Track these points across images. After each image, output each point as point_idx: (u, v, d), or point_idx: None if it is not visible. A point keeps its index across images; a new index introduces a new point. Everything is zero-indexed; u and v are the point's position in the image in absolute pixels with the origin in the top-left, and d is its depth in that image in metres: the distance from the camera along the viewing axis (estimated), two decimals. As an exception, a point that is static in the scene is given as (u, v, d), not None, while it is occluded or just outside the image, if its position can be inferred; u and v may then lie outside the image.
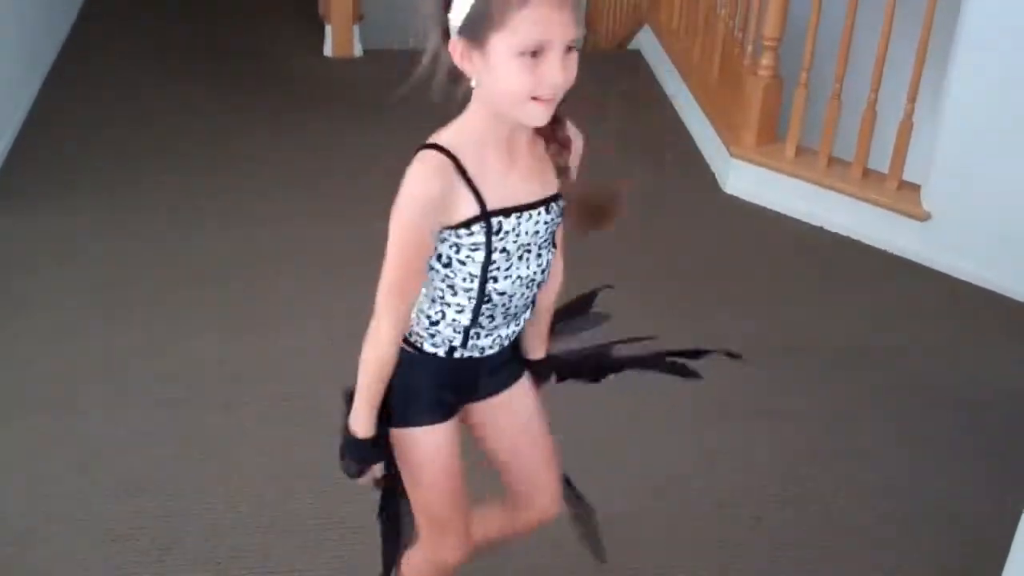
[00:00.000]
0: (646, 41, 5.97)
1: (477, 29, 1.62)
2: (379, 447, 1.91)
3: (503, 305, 1.84)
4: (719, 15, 4.93)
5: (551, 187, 1.79)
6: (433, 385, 1.92)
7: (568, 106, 1.75)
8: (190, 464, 2.93)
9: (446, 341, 1.88)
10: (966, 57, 3.81)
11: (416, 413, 1.92)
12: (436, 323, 1.87)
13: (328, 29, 5.70)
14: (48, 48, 5.40)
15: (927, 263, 4.07)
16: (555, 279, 1.99)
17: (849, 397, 3.35)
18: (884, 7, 4.00)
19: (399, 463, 1.96)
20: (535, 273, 1.85)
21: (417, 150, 1.74)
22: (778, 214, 4.40)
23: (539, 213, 1.78)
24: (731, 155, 4.54)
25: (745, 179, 4.51)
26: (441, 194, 1.70)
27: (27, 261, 3.86)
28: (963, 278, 3.99)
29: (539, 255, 1.84)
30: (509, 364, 2.01)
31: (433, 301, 1.85)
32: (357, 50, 5.72)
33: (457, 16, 1.64)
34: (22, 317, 3.56)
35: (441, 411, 1.94)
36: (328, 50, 5.72)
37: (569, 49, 1.63)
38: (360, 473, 1.93)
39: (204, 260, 3.92)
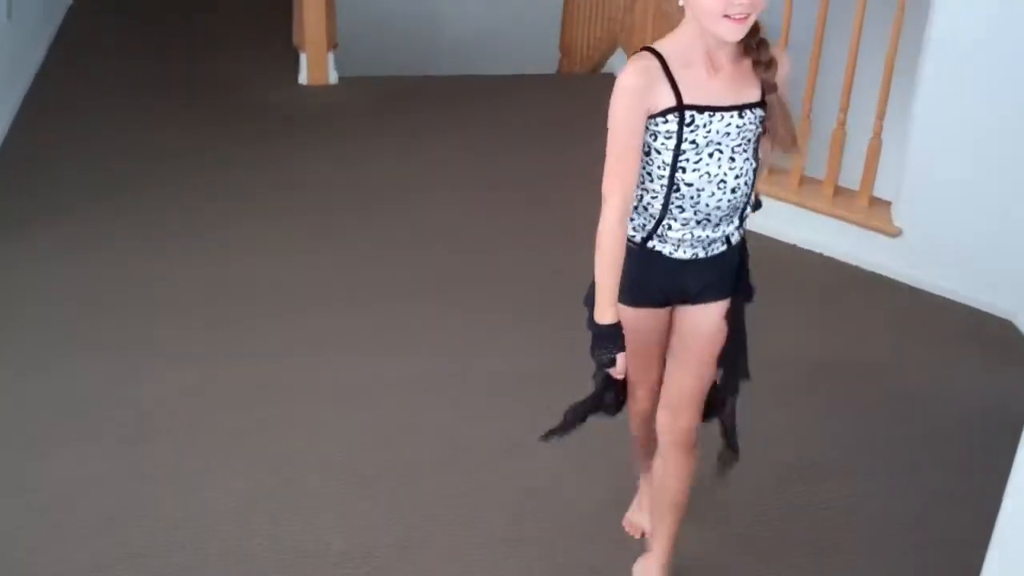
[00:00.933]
0: (620, 64, 6.00)
1: None
2: (621, 334, 2.20)
3: (692, 199, 2.13)
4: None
5: (747, 97, 2.09)
6: (642, 275, 2.23)
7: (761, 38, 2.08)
8: (158, 502, 2.91)
9: (642, 227, 2.20)
10: (932, 75, 3.86)
11: (630, 295, 2.23)
12: (635, 207, 2.18)
13: (303, 58, 5.73)
14: (17, 82, 5.41)
15: (899, 278, 4.11)
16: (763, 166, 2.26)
17: (823, 412, 3.39)
18: (851, 28, 4.05)
19: None
20: (726, 175, 2.12)
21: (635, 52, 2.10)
22: (751, 232, 4.40)
23: (732, 116, 2.09)
24: (704, 175, 4.57)
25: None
26: (646, 84, 2.04)
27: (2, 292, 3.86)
28: (935, 292, 4.03)
29: (732, 159, 2.12)
30: (716, 286, 2.30)
31: (635, 187, 2.15)
32: (332, 77, 5.75)
33: None
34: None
35: (645, 299, 2.27)
36: (303, 78, 5.75)
37: None
38: (612, 362, 2.20)
39: (173, 292, 3.92)
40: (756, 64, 2.08)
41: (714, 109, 2.07)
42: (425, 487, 2.97)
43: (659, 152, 2.10)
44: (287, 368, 3.49)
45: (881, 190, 4.18)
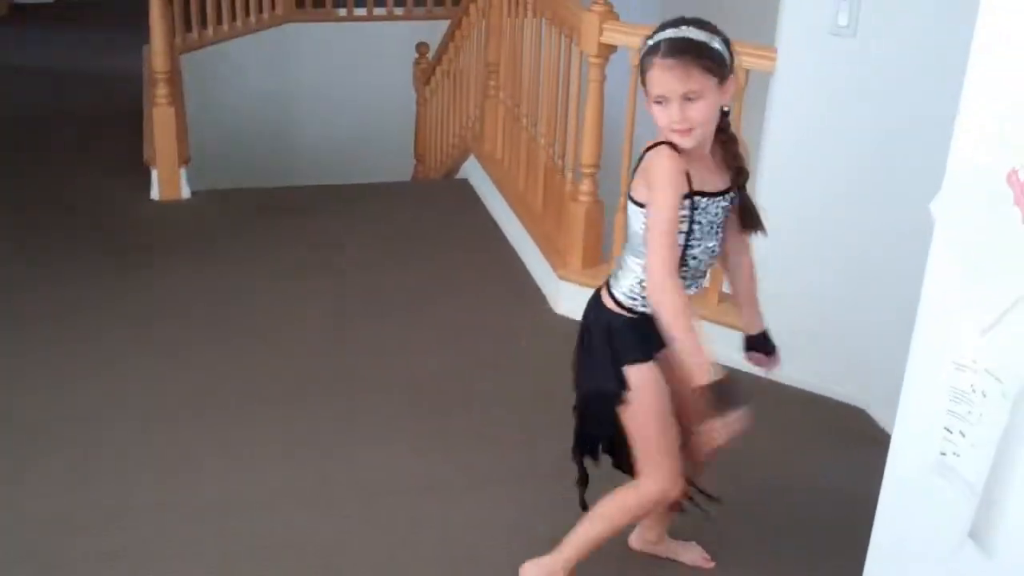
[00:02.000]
0: (472, 170, 6.12)
1: (643, 82, 2.45)
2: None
3: (693, 269, 2.57)
4: (540, 144, 5.11)
5: (725, 184, 2.55)
6: (647, 333, 2.54)
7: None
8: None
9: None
10: (768, 175, 4.01)
11: (641, 353, 2.60)
12: (646, 286, 2.53)
13: (154, 173, 5.68)
14: None
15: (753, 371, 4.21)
16: (749, 257, 2.76)
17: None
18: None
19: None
20: (714, 247, 2.58)
21: (648, 149, 2.48)
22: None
23: (721, 199, 2.54)
24: (559, 277, 4.66)
25: (575, 300, 4.57)
26: (683, 166, 2.44)
27: None
28: (784, 382, 4.14)
29: (717, 233, 2.57)
30: None
31: (639, 270, 2.56)
32: (185, 192, 5.71)
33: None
34: None
35: (652, 351, 2.59)
36: (155, 194, 5.70)
37: (689, 98, 2.37)
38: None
39: (30, 417, 3.81)
40: (733, 157, 2.54)
41: (711, 194, 2.51)
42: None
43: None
44: (155, 487, 3.42)
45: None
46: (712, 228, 2.55)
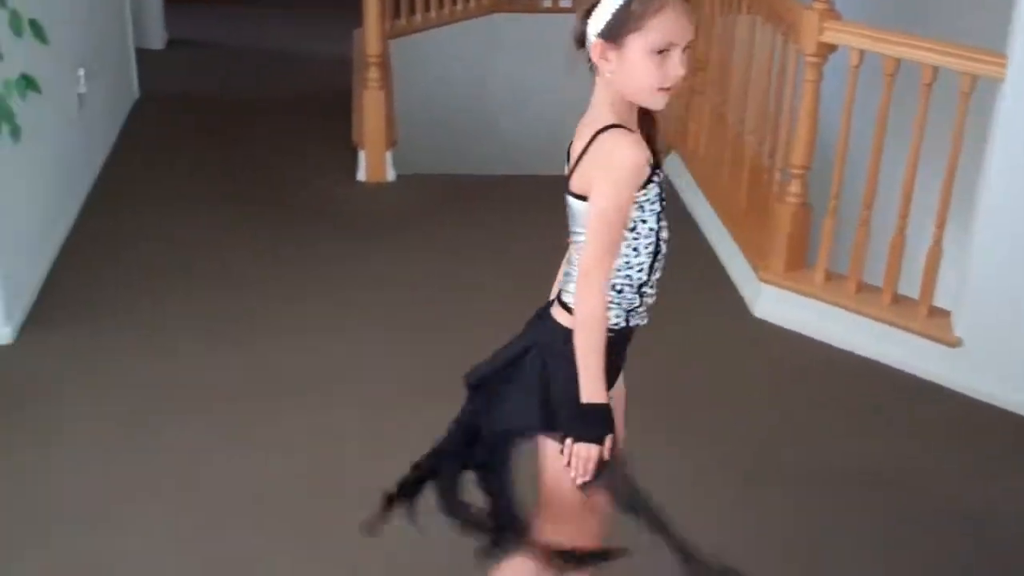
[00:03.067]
0: (672, 166, 6.06)
1: (618, 31, 2.03)
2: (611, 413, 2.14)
3: (664, 253, 2.19)
4: (746, 143, 5.02)
5: None
6: (613, 359, 2.18)
7: None
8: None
9: (626, 309, 2.19)
10: (995, 182, 3.85)
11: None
12: (621, 291, 2.17)
13: (361, 155, 5.82)
14: (88, 174, 5.53)
15: (957, 388, 4.06)
16: None
17: (873, 524, 3.33)
18: (911, 133, 4.06)
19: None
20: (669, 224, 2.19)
21: (599, 132, 2.07)
22: (808, 338, 4.41)
23: (660, 174, 2.14)
24: (760, 280, 4.57)
25: (775, 304, 4.54)
26: (646, 159, 2.07)
27: (57, 383, 3.90)
28: (995, 404, 3.98)
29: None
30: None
31: (617, 271, 2.15)
32: (390, 175, 5.83)
33: (599, 21, 2.05)
34: (51, 437, 3.59)
35: (612, 378, 2.22)
36: (362, 175, 5.83)
37: (685, 49, 2.04)
38: (602, 440, 2.11)
39: (229, 381, 3.95)
40: (653, 125, 2.18)
41: (656, 165, 2.14)
42: None
43: (645, 221, 2.13)
44: (339, 457, 3.50)
45: (941, 298, 4.16)
46: (662, 201, 2.17)
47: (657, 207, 2.12)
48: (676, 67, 2.03)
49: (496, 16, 7.83)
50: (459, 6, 7.49)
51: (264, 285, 4.69)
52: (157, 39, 8.33)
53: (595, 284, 2.09)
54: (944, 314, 4.15)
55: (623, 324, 2.20)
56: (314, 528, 3.18)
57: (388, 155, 5.81)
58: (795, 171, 4.43)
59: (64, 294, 4.47)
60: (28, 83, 3.35)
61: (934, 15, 4.91)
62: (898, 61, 4.04)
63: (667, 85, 2.04)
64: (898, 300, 4.27)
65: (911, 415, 3.98)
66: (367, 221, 5.41)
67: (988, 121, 3.88)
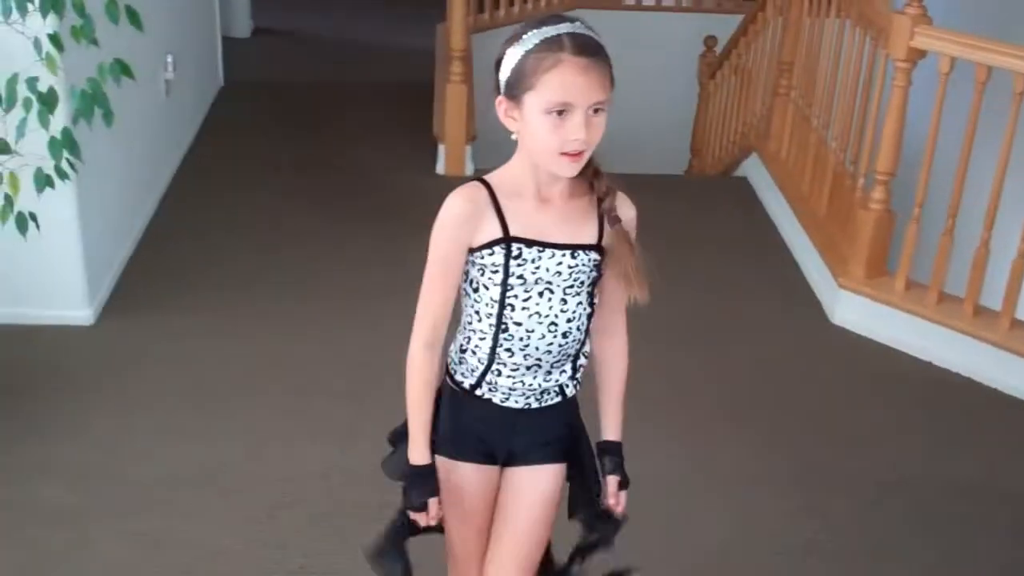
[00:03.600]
0: (753, 168, 6.01)
1: (516, 89, 1.86)
2: (435, 476, 2.06)
3: (521, 340, 1.97)
4: (830, 147, 4.96)
5: (582, 237, 1.96)
6: (472, 425, 2.07)
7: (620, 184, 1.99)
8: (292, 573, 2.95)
9: (472, 371, 2.04)
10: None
11: (453, 446, 2.07)
12: (464, 350, 2.04)
13: (441, 148, 5.84)
14: (172, 159, 5.61)
15: (1040, 403, 3.99)
16: (621, 359, 2.14)
17: (955, 537, 3.29)
18: (1000, 144, 3.99)
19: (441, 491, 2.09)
20: (557, 316, 1.97)
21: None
22: (886, 347, 4.36)
23: (564, 255, 1.94)
24: (839, 286, 4.52)
25: (854, 311, 4.48)
26: (469, 214, 1.91)
27: (138, 362, 3.97)
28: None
29: (564, 300, 1.97)
30: (550, 445, 2.11)
31: (463, 327, 2.04)
32: (469, 169, 5.84)
33: (503, 76, 1.89)
34: (129, 415, 3.66)
35: (477, 452, 2.08)
36: (440, 168, 5.85)
37: (596, 111, 1.84)
38: (424, 506, 2.05)
39: (307, 367, 3.99)
40: (600, 200, 1.96)
41: (543, 244, 1.93)
42: None
43: (487, 288, 1.96)
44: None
45: (1024, 312, 4.09)
46: (552, 291, 1.95)
47: (500, 277, 1.94)
48: (575, 130, 1.82)
49: (578, 12, 7.81)
50: (542, 2, 7.48)
51: (339, 273, 4.72)
52: (243, 27, 8.44)
53: (415, 333, 2.01)
54: (1028, 327, 4.08)
55: (471, 384, 2.05)
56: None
57: (468, 149, 5.82)
58: (880, 177, 4.37)
59: (146, 277, 4.54)
60: (122, 68, 3.39)
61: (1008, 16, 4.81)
62: (990, 69, 3.96)
63: (567, 150, 1.84)
64: (980, 311, 4.19)
65: (988, 428, 3.91)
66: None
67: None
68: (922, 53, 4.15)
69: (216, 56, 7.02)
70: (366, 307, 4.45)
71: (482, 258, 1.94)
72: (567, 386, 2.08)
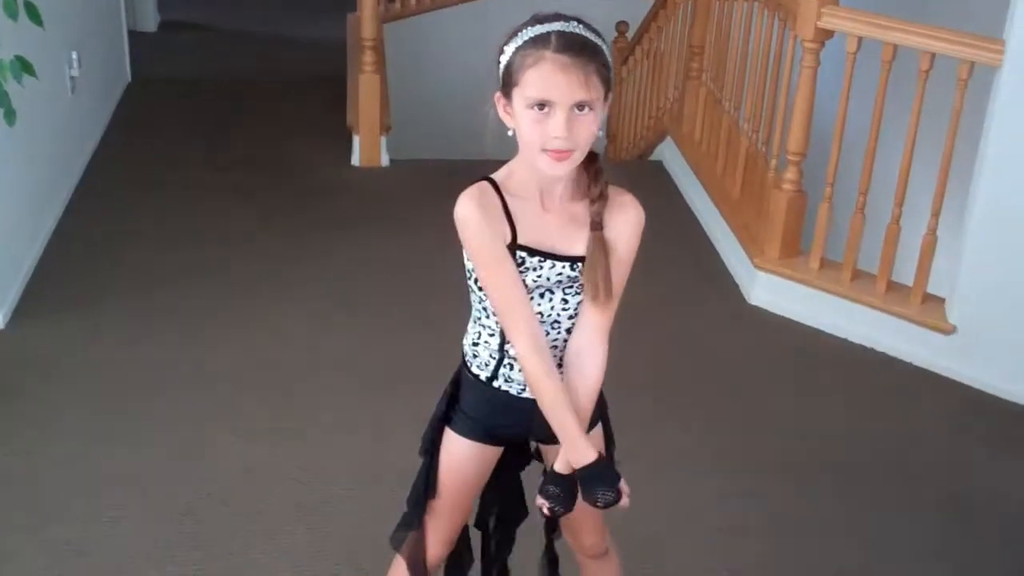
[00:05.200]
0: (668, 152, 6.05)
1: (507, 85, 1.89)
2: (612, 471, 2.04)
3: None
4: (742, 129, 5.01)
5: (581, 248, 1.96)
6: (490, 410, 2.11)
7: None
8: None
9: (486, 365, 2.09)
10: (991, 170, 3.85)
11: (460, 421, 2.14)
12: (476, 344, 2.09)
13: (356, 139, 5.80)
14: (79, 158, 5.50)
15: (951, 375, 4.07)
16: (596, 368, 2.04)
17: (873, 511, 3.34)
18: (908, 122, 4.06)
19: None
20: (559, 315, 2.01)
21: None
22: (803, 326, 4.42)
23: (564, 266, 1.97)
24: (755, 267, 4.57)
25: (770, 291, 4.54)
26: (485, 210, 1.92)
27: (52, 369, 3.88)
28: (988, 391, 3.98)
29: (565, 300, 2.01)
30: None
31: (474, 322, 2.08)
32: (384, 160, 5.81)
33: (500, 72, 1.92)
34: (46, 420, 3.58)
35: (485, 434, 2.14)
36: (356, 160, 5.81)
37: (581, 108, 1.83)
38: (617, 500, 2.03)
39: (226, 366, 3.94)
40: (590, 201, 1.95)
41: (545, 255, 1.96)
42: None
43: None
44: (347, 444, 3.49)
45: (935, 286, 4.16)
46: (552, 291, 2.01)
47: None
48: (555, 128, 1.82)
49: (491, 0, 7.80)
50: (452, -12, 7.45)
51: (256, 269, 4.67)
52: (150, 21, 8.29)
53: (518, 345, 1.98)
54: (938, 301, 4.16)
55: (487, 376, 2.09)
56: (301, 512, 3.18)
57: (383, 140, 5.79)
58: (791, 158, 4.42)
59: (56, 279, 4.45)
60: (23, 66, 3.31)
61: (935, 2, 4.90)
62: (895, 48, 4.03)
63: (548, 147, 1.85)
64: (893, 287, 4.27)
65: (905, 402, 3.99)
66: (361, 206, 5.39)
67: (985, 108, 3.87)
68: (829, 33, 4.21)
69: (123, 51, 6.89)
70: (285, 301, 4.41)
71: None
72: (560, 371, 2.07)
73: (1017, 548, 3.21)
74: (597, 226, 1.95)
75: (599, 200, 1.94)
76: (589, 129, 1.85)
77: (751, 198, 4.87)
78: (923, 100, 4.01)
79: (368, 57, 5.67)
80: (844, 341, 4.31)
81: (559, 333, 2.03)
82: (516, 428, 2.14)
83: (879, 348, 4.24)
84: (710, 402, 3.88)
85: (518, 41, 1.87)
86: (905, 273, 4.25)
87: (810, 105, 4.30)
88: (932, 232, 4.08)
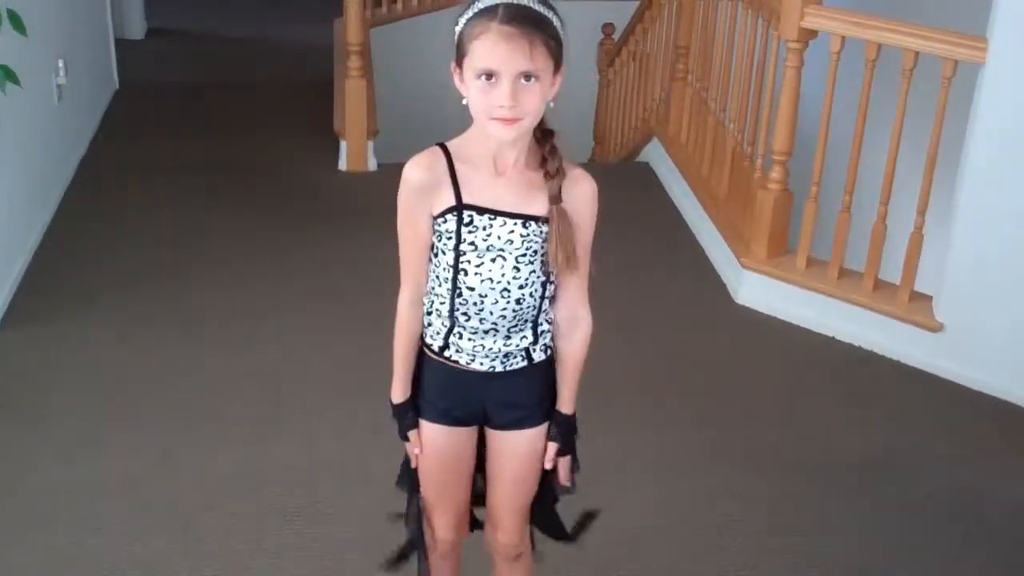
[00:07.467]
0: (654, 153, 6.06)
1: (459, 55, 1.98)
2: (413, 415, 2.23)
3: (476, 304, 2.08)
4: (728, 129, 5.03)
5: (534, 209, 2.04)
6: (442, 389, 2.21)
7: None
8: (209, 580, 2.91)
9: (437, 333, 2.16)
10: (976, 167, 3.87)
11: (425, 407, 2.23)
12: (429, 312, 2.16)
13: (343, 145, 5.80)
14: (66, 166, 5.50)
15: (939, 373, 4.08)
16: (581, 330, 2.20)
17: (859, 510, 3.34)
18: (893, 120, 4.07)
19: None
20: (509, 283, 2.07)
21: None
22: (790, 324, 4.43)
23: (515, 224, 2.04)
24: (742, 266, 4.58)
25: (757, 290, 4.55)
26: (427, 182, 2.02)
27: (41, 374, 3.88)
28: (976, 388, 4.00)
29: (516, 267, 2.06)
30: (523, 410, 2.22)
31: (428, 291, 2.14)
32: (372, 164, 5.82)
33: (454, 43, 2.00)
34: (36, 426, 3.58)
35: (445, 415, 2.22)
36: (343, 165, 5.81)
37: (528, 79, 1.92)
38: (404, 437, 2.26)
39: (214, 374, 3.94)
40: (546, 175, 2.03)
41: (495, 212, 2.03)
42: None
43: (444, 253, 2.07)
44: (336, 443, 3.50)
45: (922, 284, 4.17)
46: (505, 257, 2.05)
47: (453, 243, 2.04)
48: (501, 97, 1.91)
49: (477, 4, 7.82)
50: (438, -8, 7.45)
51: (246, 273, 4.67)
52: (137, 28, 8.29)
53: (401, 292, 2.16)
54: (925, 299, 4.17)
55: (439, 346, 2.16)
56: (291, 516, 3.18)
57: (370, 144, 5.79)
58: (776, 157, 4.43)
59: (45, 288, 4.45)
60: (7, 75, 3.32)
61: (918, 1, 4.91)
62: (879, 46, 4.05)
63: (495, 116, 1.93)
64: (880, 286, 4.28)
65: (893, 400, 4.00)
66: (348, 211, 5.39)
67: (969, 106, 3.89)
68: (813, 33, 4.22)
69: (110, 58, 6.89)
70: (273, 304, 4.41)
71: (439, 225, 2.04)
72: (533, 351, 2.17)
73: (1005, 545, 3.22)
74: (556, 199, 2.03)
75: (557, 175, 2.03)
76: (535, 99, 1.94)
77: (738, 198, 4.88)
78: (907, 98, 4.03)
79: (354, 62, 5.67)
80: (831, 339, 4.32)
81: (508, 302, 2.08)
82: (469, 407, 2.22)
83: (866, 346, 4.26)
84: (698, 402, 3.89)
85: (469, 13, 1.96)
86: (892, 271, 4.27)
87: (795, 105, 4.32)
88: (919, 230, 4.10)
